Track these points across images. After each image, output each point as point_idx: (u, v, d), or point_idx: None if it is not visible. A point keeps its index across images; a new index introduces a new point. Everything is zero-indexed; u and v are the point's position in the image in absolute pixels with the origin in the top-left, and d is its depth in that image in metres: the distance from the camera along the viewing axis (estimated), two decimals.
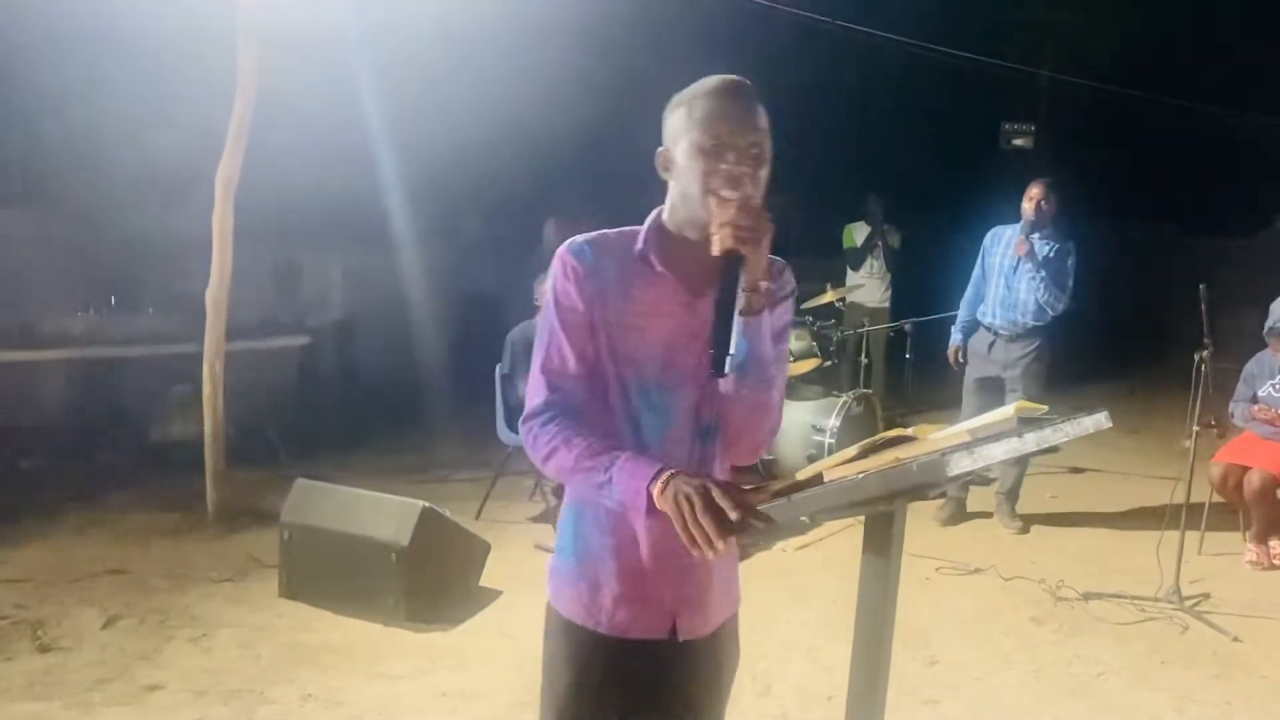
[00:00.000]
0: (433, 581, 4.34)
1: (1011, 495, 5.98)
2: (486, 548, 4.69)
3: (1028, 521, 6.05)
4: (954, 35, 10.29)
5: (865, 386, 7.37)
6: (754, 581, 5.01)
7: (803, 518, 1.44)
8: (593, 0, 7.73)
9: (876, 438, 1.56)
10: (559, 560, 1.84)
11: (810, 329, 6.77)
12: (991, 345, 5.85)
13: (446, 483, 6.59)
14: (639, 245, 1.76)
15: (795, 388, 6.76)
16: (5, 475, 5.92)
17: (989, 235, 5.97)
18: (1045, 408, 1.53)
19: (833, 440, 6.30)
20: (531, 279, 5.96)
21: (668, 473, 1.53)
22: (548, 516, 5.69)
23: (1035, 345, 5.78)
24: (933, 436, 1.48)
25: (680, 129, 1.69)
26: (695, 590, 1.81)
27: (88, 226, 5.94)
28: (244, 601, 4.48)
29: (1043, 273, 5.64)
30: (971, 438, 1.33)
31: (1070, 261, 5.73)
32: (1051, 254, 5.73)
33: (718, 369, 1.58)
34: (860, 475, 1.35)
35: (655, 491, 1.52)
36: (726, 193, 1.62)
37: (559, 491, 5.25)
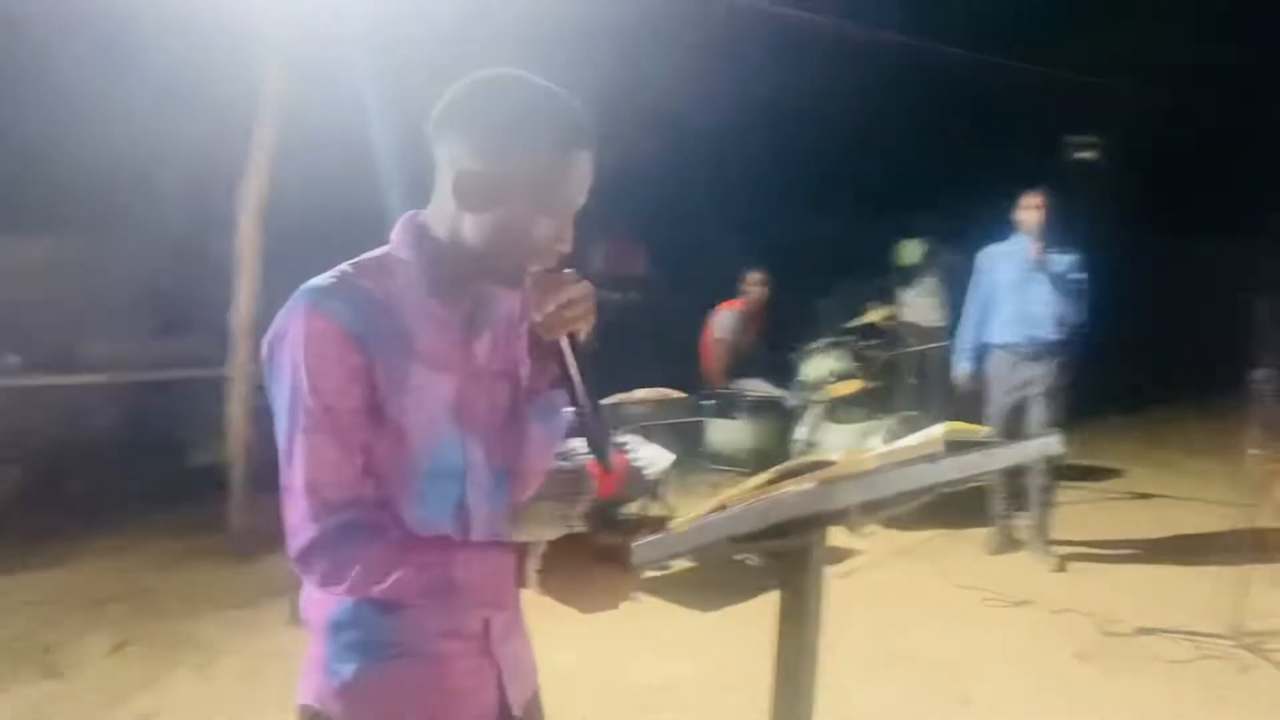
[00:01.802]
0: None
1: (1042, 529, 5.65)
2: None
3: (1084, 550, 5.72)
4: (1016, 47, 9.99)
5: (913, 409, 7.09)
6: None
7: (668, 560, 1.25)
8: (637, 15, 7.66)
9: (795, 463, 1.38)
10: (333, 669, 1.46)
11: (853, 349, 6.53)
12: (1014, 365, 5.58)
13: None
14: (400, 277, 1.43)
15: (836, 410, 6.53)
16: (47, 497, 5.98)
17: (982, 256, 5.78)
18: (984, 429, 1.35)
19: None
20: None
21: (537, 554, 1.31)
22: None
23: (1057, 361, 5.52)
24: (855, 459, 1.30)
25: (526, 168, 1.36)
26: (512, 648, 1.58)
27: (126, 251, 6.02)
28: (254, 628, 4.41)
29: (1057, 284, 5.41)
30: (876, 464, 1.15)
31: (1080, 270, 5.50)
32: (1062, 264, 5.49)
33: (605, 465, 1.43)
34: (739, 508, 1.17)
35: (530, 583, 1.31)
36: (570, 275, 1.41)
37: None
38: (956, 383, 5.82)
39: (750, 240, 9.72)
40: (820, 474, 1.27)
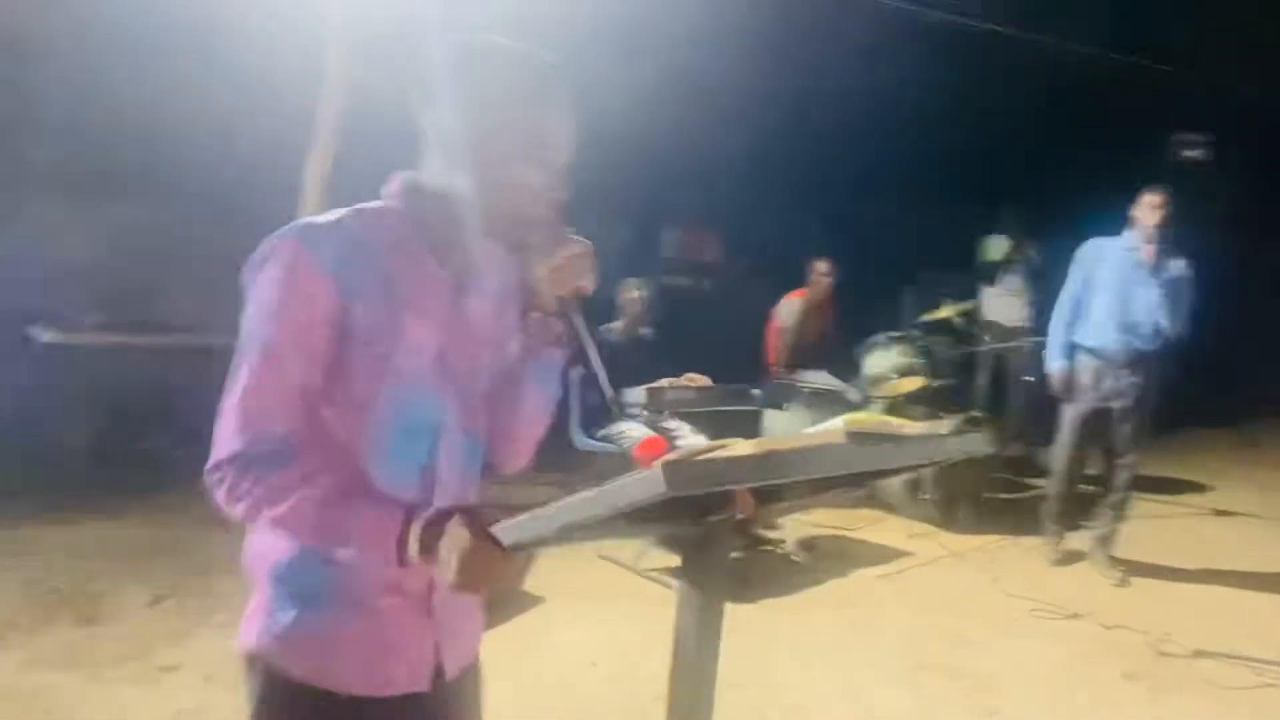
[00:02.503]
0: None
1: (1108, 541, 5.38)
2: (531, 554, 4.54)
3: (1152, 565, 5.45)
4: (1120, 39, 9.55)
5: (981, 410, 6.86)
6: (813, 610, 4.72)
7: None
8: (700, 4, 7.54)
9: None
10: (274, 615, 1.45)
11: (917, 344, 6.33)
12: (1099, 372, 5.22)
13: (520, 486, 6.50)
14: (396, 230, 1.44)
15: (897, 407, 6.34)
16: (119, 453, 6.20)
17: (1088, 248, 5.32)
18: (904, 424, 1.24)
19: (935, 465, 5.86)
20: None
21: (419, 523, 1.28)
22: None
23: (1150, 372, 5.17)
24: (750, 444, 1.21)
25: (496, 116, 1.39)
26: (454, 616, 1.54)
27: (203, 217, 6.19)
28: None
29: (1164, 290, 5.05)
30: (758, 449, 1.06)
31: (1189, 281, 5.13)
32: (1173, 271, 5.13)
33: (598, 420, 1.37)
34: (591, 493, 1.09)
35: (411, 548, 1.28)
36: (571, 233, 1.43)
37: None
38: (1051, 383, 5.38)
39: (832, 229, 9.54)
40: (713, 454, 1.18)
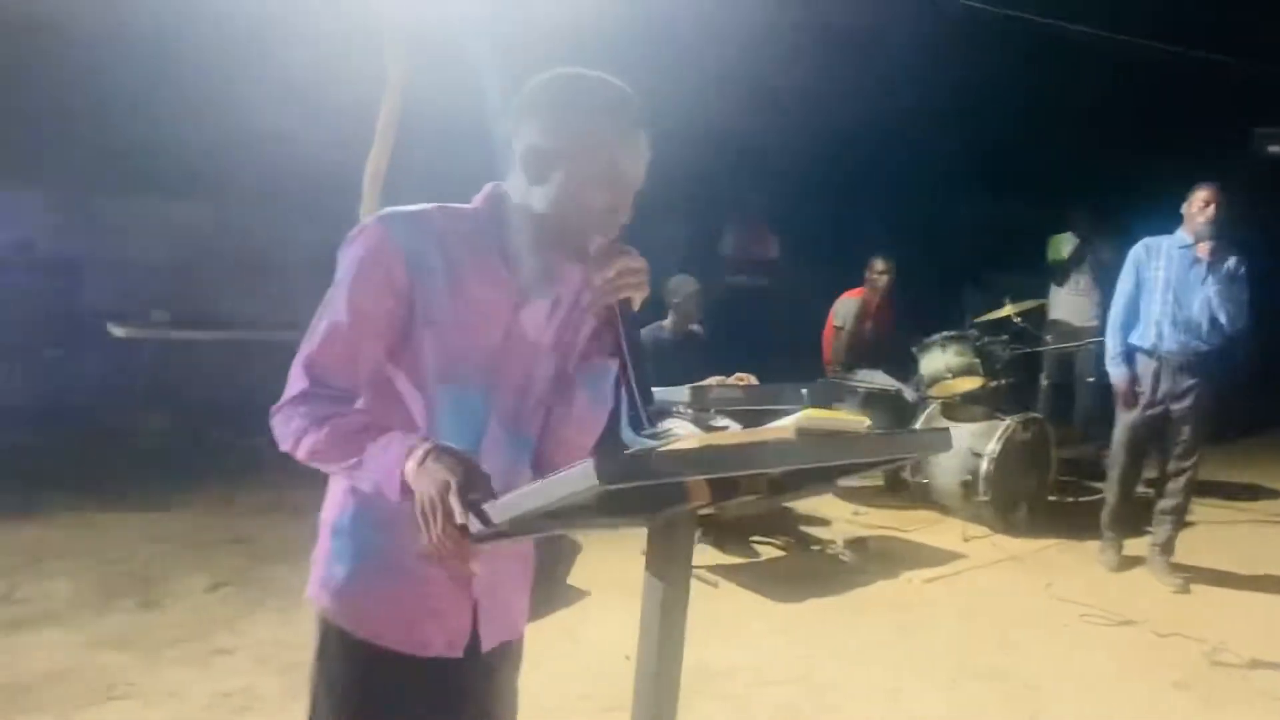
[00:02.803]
0: None
1: (1167, 547, 5.24)
2: (575, 547, 4.61)
3: (1212, 572, 5.31)
4: (1197, 31, 9.26)
5: (1041, 411, 6.74)
6: (860, 610, 4.69)
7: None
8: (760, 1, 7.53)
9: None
10: (331, 570, 1.60)
11: (974, 345, 6.24)
12: (1156, 374, 5.09)
13: None
14: (476, 233, 1.57)
15: (954, 407, 6.26)
16: (187, 445, 6.44)
17: (1141, 248, 5.19)
18: (864, 420, 1.26)
19: (991, 466, 5.78)
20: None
21: (423, 449, 1.36)
22: None
23: (1208, 371, 5.04)
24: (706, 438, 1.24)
25: (580, 145, 1.51)
26: (496, 592, 1.64)
27: (263, 217, 6.41)
28: None
29: (1223, 287, 4.92)
30: (698, 444, 1.09)
31: (1244, 277, 4.99)
32: (1229, 266, 4.99)
33: (638, 422, 1.42)
34: (536, 485, 1.12)
35: (410, 473, 1.36)
36: (625, 248, 1.50)
37: None
38: (1116, 389, 5.27)
39: (895, 227, 9.43)
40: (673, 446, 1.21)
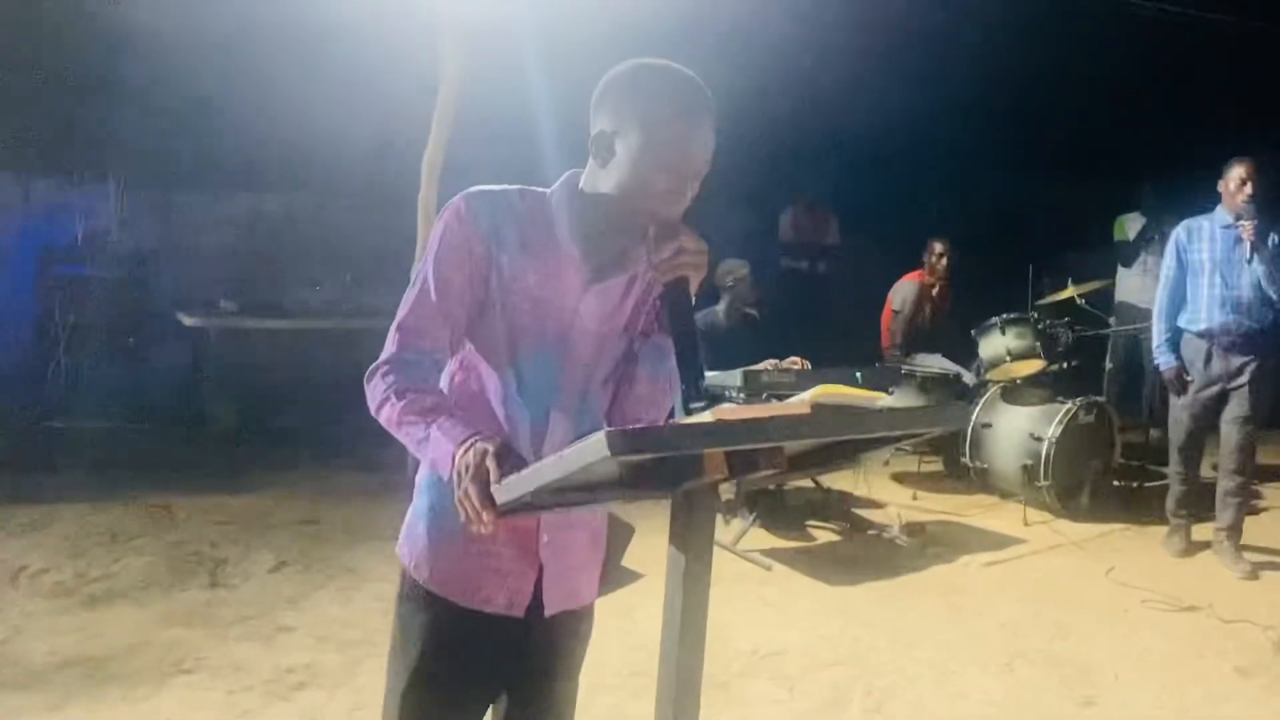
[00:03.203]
0: None
1: (1233, 531, 5.12)
2: (629, 530, 4.65)
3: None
4: (1273, 5, 8.96)
5: (1103, 395, 6.62)
6: (915, 594, 4.68)
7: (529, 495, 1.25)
8: None
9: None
10: (414, 525, 1.74)
11: (1034, 327, 6.14)
12: (1208, 355, 5.02)
13: None
14: (551, 215, 1.67)
15: (1014, 391, 6.18)
16: (254, 430, 6.61)
17: (1181, 231, 5.14)
18: (882, 396, 1.27)
19: (1052, 450, 5.70)
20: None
21: (475, 438, 1.44)
22: (729, 508, 5.54)
23: (1262, 349, 4.96)
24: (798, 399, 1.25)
25: (643, 128, 1.57)
26: (561, 561, 1.71)
27: (329, 208, 6.56)
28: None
29: (1267, 264, 4.83)
30: (711, 418, 1.12)
31: None
32: (1275, 241, 4.90)
33: (692, 397, 1.47)
34: (553, 458, 1.15)
35: (458, 456, 1.43)
36: (683, 228, 1.56)
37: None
38: (1164, 376, 5.26)
39: (956, 209, 9.30)
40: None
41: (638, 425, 1.67)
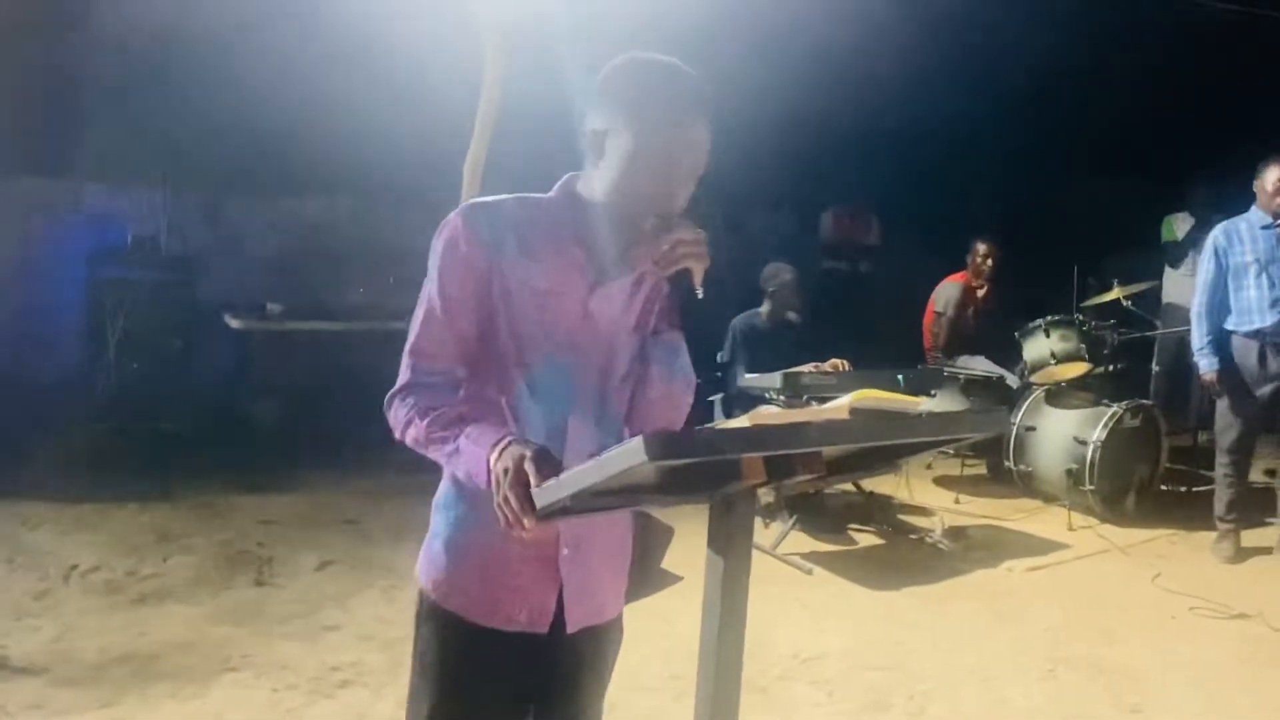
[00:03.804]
0: None
1: None
2: (669, 532, 4.63)
3: None
4: None
5: (1149, 398, 6.52)
6: (957, 598, 4.64)
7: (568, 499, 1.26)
8: None
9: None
10: (432, 545, 1.72)
11: (1079, 329, 6.07)
12: (1262, 355, 4.97)
13: None
14: (552, 220, 1.66)
15: (1059, 394, 6.10)
16: (300, 430, 6.69)
17: (1220, 234, 5.14)
18: (921, 400, 1.27)
19: (1097, 454, 5.62)
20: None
21: (508, 439, 1.45)
22: (769, 511, 5.53)
23: None
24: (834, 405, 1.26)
25: (631, 130, 1.57)
26: (582, 575, 1.69)
27: (371, 211, 6.63)
28: None
29: None
30: (749, 422, 1.13)
31: None
32: None
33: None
34: (591, 462, 1.16)
35: (493, 461, 1.44)
36: (680, 220, 1.56)
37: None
38: (1203, 379, 5.22)
39: (1000, 210, 9.20)
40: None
41: (662, 429, 1.70)
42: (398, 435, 1.63)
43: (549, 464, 1.36)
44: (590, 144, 1.61)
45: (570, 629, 1.69)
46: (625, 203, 1.58)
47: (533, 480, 1.34)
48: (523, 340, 1.62)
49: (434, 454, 1.59)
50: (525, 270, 1.61)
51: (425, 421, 1.57)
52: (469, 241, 1.60)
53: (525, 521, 1.36)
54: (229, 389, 6.70)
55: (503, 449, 1.43)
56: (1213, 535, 5.35)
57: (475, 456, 1.48)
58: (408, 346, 1.65)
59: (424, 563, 1.73)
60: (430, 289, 1.63)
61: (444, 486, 1.72)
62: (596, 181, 1.62)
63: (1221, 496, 5.25)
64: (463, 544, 1.67)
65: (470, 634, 1.65)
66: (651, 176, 1.56)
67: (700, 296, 1.55)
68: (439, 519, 1.71)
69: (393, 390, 1.65)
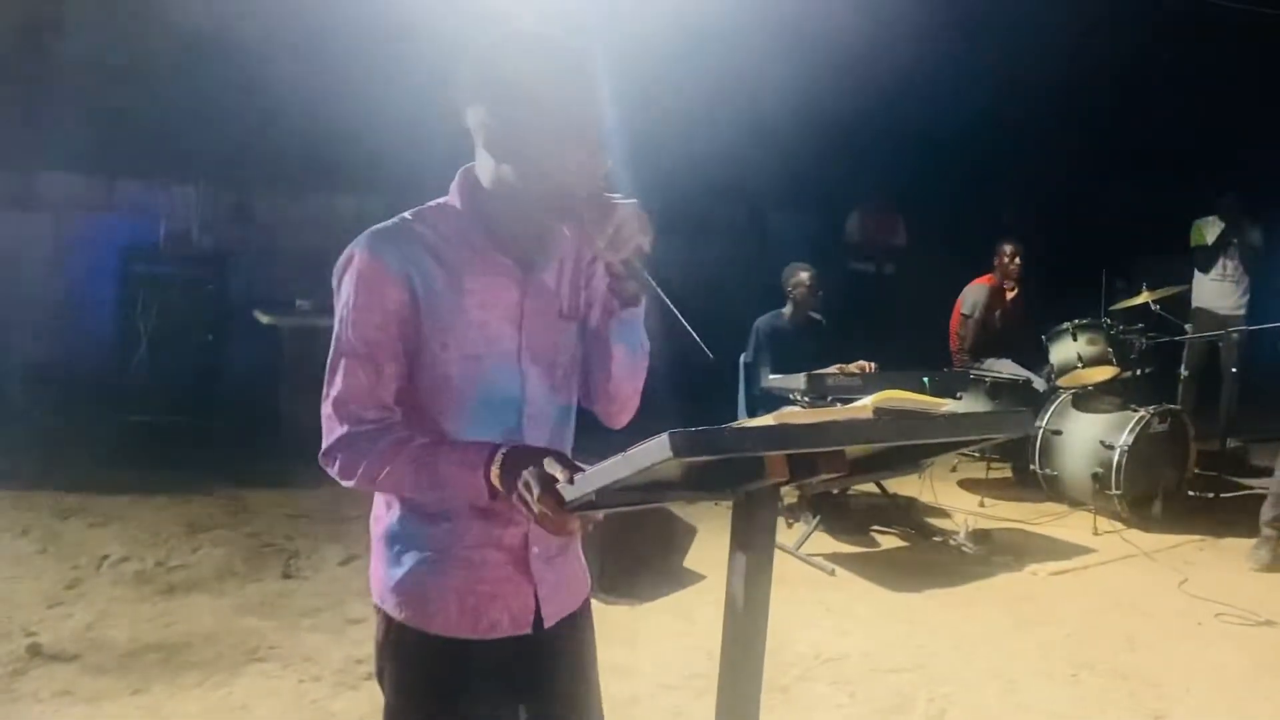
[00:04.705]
0: (626, 557, 4.39)
1: None
2: (691, 531, 4.67)
3: None
4: None
5: (1179, 403, 6.46)
6: (980, 601, 4.63)
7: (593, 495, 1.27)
8: None
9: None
10: (395, 572, 1.62)
11: (1107, 333, 6.03)
12: None
13: None
14: (458, 223, 1.57)
15: (1086, 398, 6.07)
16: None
17: None
18: (946, 402, 1.28)
19: (1123, 459, 5.59)
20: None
21: (501, 454, 1.42)
22: (793, 512, 5.53)
23: None
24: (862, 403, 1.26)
25: (525, 107, 1.47)
26: (553, 568, 1.67)
27: (398, 208, 6.63)
28: None
29: None
30: (773, 421, 1.14)
31: None
32: None
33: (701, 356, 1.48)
34: (618, 457, 1.17)
35: (494, 479, 1.42)
36: (618, 198, 1.46)
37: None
38: None
39: (1030, 212, 9.15)
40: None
41: (628, 401, 1.69)
42: (346, 483, 1.55)
43: (564, 460, 1.36)
44: (484, 138, 1.52)
45: (548, 624, 1.67)
46: (543, 182, 1.49)
47: (560, 477, 1.32)
48: (465, 363, 1.54)
49: (397, 488, 1.54)
50: (450, 288, 1.53)
51: (378, 462, 1.49)
52: (376, 276, 1.50)
53: (569, 525, 1.35)
54: (259, 384, 6.76)
55: (501, 462, 1.41)
56: (1241, 542, 5.30)
57: (465, 478, 1.44)
58: (330, 401, 1.54)
59: (384, 589, 1.63)
60: (345, 334, 1.52)
61: (386, 512, 1.64)
62: (505, 172, 1.52)
63: (1271, 502, 5.16)
64: (431, 564, 1.59)
65: (456, 649, 1.60)
66: (563, 144, 1.47)
67: (711, 358, 1.53)
68: (396, 547, 1.62)
69: (326, 447, 1.55)
